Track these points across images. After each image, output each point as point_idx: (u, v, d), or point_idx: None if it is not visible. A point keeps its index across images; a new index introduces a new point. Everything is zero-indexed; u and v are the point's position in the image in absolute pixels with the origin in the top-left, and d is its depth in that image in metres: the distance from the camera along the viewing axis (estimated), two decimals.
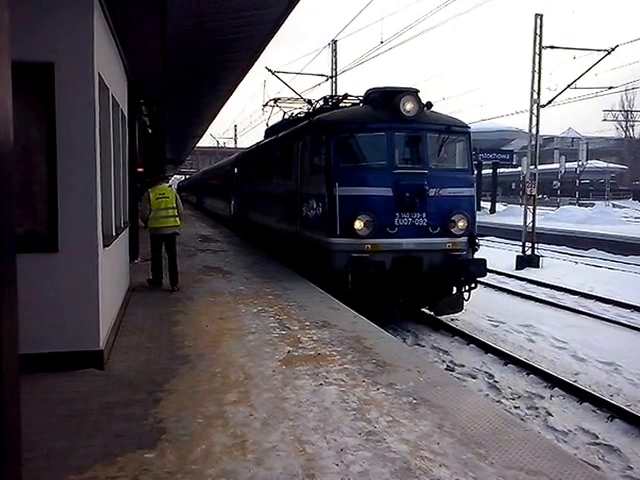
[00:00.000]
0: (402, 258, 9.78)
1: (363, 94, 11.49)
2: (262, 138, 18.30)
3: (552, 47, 19.62)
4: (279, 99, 17.28)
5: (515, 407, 7.00)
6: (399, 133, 10.20)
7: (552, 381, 7.69)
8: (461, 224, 10.13)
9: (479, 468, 3.74)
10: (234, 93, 16.40)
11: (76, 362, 5.46)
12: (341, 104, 12.38)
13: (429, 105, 10.58)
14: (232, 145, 64.96)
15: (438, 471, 3.69)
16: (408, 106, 10.01)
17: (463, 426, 4.39)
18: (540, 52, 19.52)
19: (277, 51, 24.57)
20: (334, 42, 26.05)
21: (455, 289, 10.40)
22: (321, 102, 13.17)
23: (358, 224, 9.62)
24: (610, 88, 21.77)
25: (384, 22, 22.90)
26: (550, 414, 6.75)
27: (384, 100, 10.37)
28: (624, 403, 6.97)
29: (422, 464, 3.78)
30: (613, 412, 6.69)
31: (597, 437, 6.18)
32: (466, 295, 10.32)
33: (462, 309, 10.43)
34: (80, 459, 3.80)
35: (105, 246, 6.06)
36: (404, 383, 5.27)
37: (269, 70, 17.66)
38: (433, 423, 4.43)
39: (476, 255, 10.55)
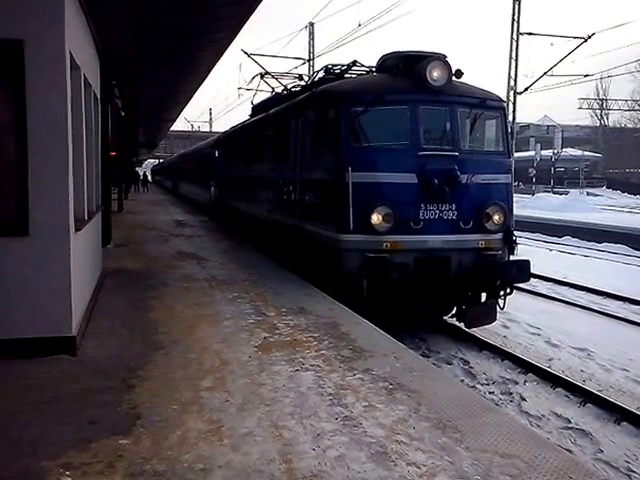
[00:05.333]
0: (426, 258, 8.17)
1: (376, 62, 9.72)
2: (247, 117, 16.61)
3: (530, 34, 19.77)
4: (267, 73, 15.93)
5: (490, 392, 7.07)
6: (425, 106, 8.43)
7: (526, 367, 7.76)
8: (497, 218, 8.48)
9: (454, 452, 3.77)
10: (209, 76, 16.11)
11: (48, 348, 5.36)
12: (346, 75, 10.49)
13: (459, 73, 8.80)
14: (207, 129, 64.54)
15: (414, 455, 3.72)
16: (436, 73, 8.27)
17: (439, 411, 4.41)
18: (518, 38, 19.64)
19: (253, 34, 24.27)
20: (311, 25, 25.90)
21: (485, 295, 8.77)
22: (321, 73, 11.11)
23: (376, 218, 7.96)
24: (586, 76, 22.04)
25: (362, 5, 22.75)
26: (524, 399, 6.83)
27: (406, 67, 8.65)
28: (596, 388, 7.07)
29: (398, 448, 3.80)
30: (585, 397, 6.78)
31: (570, 422, 6.27)
32: (501, 303, 8.63)
33: (495, 320, 8.80)
34: (53, 446, 3.75)
35: (77, 230, 5.94)
36: (380, 368, 5.28)
37: (245, 53, 17.33)
38: (409, 408, 4.44)
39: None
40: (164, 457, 3.63)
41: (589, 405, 6.65)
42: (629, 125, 74.25)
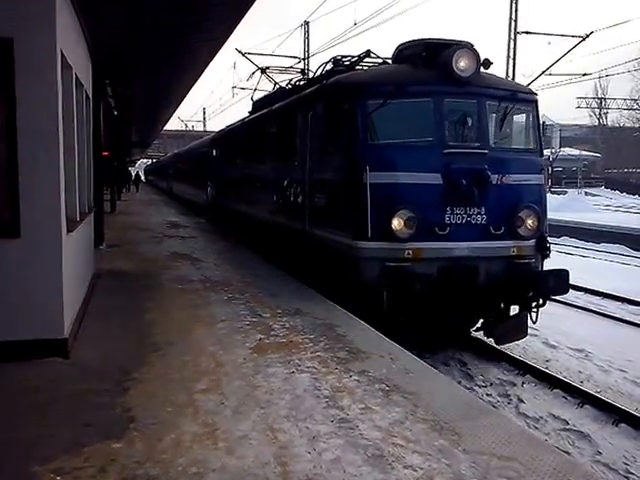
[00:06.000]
0: (451, 268, 7.45)
1: (392, 53, 8.89)
2: (247, 114, 15.80)
3: (527, 32, 19.75)
4: (268, 68, 15.31)
5: (487, 394, 7.03)
6: (450, 99, 7.72)
7: (524, 368, 7.72)
8: (530, 222, 7.73)
9: (452, 454, 3.74)
10: (203, 75, 16.01)
11: (40, 351, 5.31)
12: (357, 67, 9.66)
13: (487, 63, 8.05)
14: (201, 128, 64.51)
15: (411, 458, 3.68)
16: (463, 63, 7.55)
17: (436, 413, 4.37)
18: (515, 38, 19.63)
19: (247, 33, 24.14)
20: (306, 23, 25.87)
21: (517, 308, 8.01)
22: (329, 65, 10.12)
23: (397, 223, 7.22)
24: (584, 75, 22.02)
25: (358, 3, 22.66)
26: (522, 401, 6.79)
27: (429, 56, 7.88)
28: (594, 389, 7.05)
29: (395, 451, 3.76)
30: (583, 398, 6.75)
31: (568, 423, 6.23)
32: (533, 316, 7.83)
33: (526, 335, 8.06)
34: (45, 450, 3.72)
35: (69, 231, 5.89)
36: (377, 370, 5.24)
37: (239, 52, 17.22)
38: (406, 410, 4.41)
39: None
40: (158, 461, 3.59)
41: (587, 406, 6.61)
42: (628, 124, 74.22)
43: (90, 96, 9.35)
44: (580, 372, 7.80)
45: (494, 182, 7.52)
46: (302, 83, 11.66)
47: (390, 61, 9.10)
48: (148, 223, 19.37)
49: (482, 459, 3.68)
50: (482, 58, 7.78)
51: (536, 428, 6.10)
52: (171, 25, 9.11)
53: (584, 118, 73.21)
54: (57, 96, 5.33)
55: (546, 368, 7.74)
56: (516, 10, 19.58)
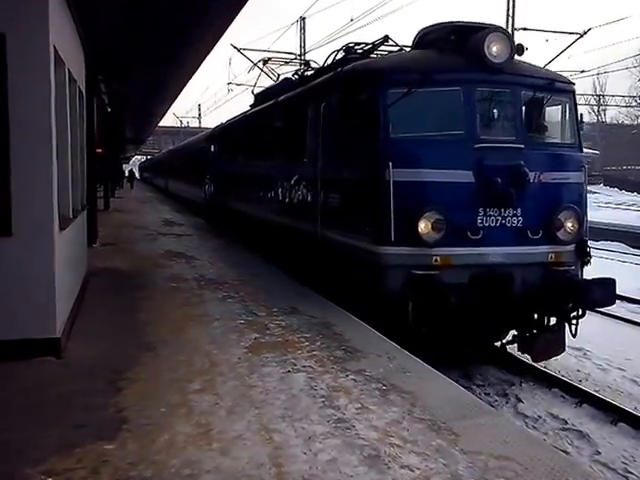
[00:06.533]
0: (483, 276, 6.77)
1: (413, 37, 8.15)
2: (248, 108, 15.00)
3: (525, 29, 19.71)
4: (270, 59, 14.75)
5: (485, 393, 6.98)
6: (482, 88, 7.04)
7: (522, 367, 7.65)
8: (570, 225, 7.09)
9: (449, 454, 3.71)
10: (198, 71, 15.89)
11: (32, 350, 5.26)
12: (372, 56, 8.91)
13: (521, 49, 7.38)
14: (196, 124, 64.41)
15: (408, 458, 3.65)
16: (496, 48, 6.88)
17: (433, 412, 4.34)
18: (513, 34, 19.58)
19: (242, 29, 24.03)
20: (303, 19, 25.82)
21: (554, 320, 7.28)
22: (341, 54, 9.30)
23: (424, 225, 6.56)
24: (582, 72, 21.99)
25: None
26: (520, 400, 6.74)
27: (457, 41, 7.21)
28: (593, 388, 7.01)
29: (391, 451, 3.73)
30: (582, 398, 6.70)
31: (566, 423, 6.19)
32: (573, 328, 7.12)
33: (565, 350, 7.39)
34: (36, 451, 3.68)
35: (62, 229, 5.84)
36: (374, 369, 5.21)
37: (235, 47, 17.08)
38: (403, 409, 4.38)
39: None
40: (151, 462, 3.55)
41: (585, 406, 6.57)
42: (626, 121, 74.21)
43: (83, 92, 9.29)
44: (578, 371, 7.75)
45: (531, 180, 6.87)
46: (310, 73, 11.03)
47: (408, 49, 8.50)
48: (142, 221, 19.30)
49: (480, 459, 3.66)
50: (516, 43, 7.20)
51: (534, 428, 6.06)
52: (165, 19, 9.04)
53: (582, 115, 73.13)
54: (50, 92, 5.29)
55: (545, 367, 7.69)
56: (513, 6, 19.57)
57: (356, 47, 9.16)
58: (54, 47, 5.45)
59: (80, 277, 8.32)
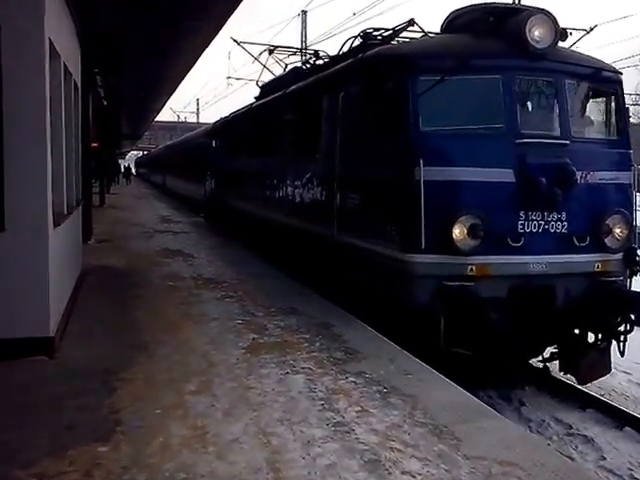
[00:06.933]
0: (523, 287, 6.12)
1: (442, 21, 7.49)
2: (253, 100, 14.27)
3: None
4: (276, 48, 14.03)
5: (488, 397, 6.89)
6: (523, 76, 6.39)
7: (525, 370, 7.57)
8: (619, 231, 6.42)
9: (451, 459, 3.66)
10: (196, 65, 15.74)
11: (24, 350, 5.19)
12: (393, 42, 8.18)
13: (565, 35, 6.72)
14: (194, 120, 64.18)
15: (409, 463, 3.60)
16: (539, 32, 6.19)
17: (435, 416, 4.28)
18: None
19: (242, 22, 23.90)
20: (304, 13, 25.78)
21: (600, 336, 6.53)
22: (358, 41, 8.50)
23: (458, 231, 5.91)
24: None
25: None
26: (524, 404, 6.66)
27: (495, 24, 6.53)
28: (598, 392, 6.93)
29: (392, 456, 3.68)
30: (587, 401, 6.61)
31: (571, 427, 6.11)
32: (621, 345, 6.40)
33: (611, 370, 6.71)
34: (28, 453, 3.63)
35: (56, 226, 5.77)
36: (374, 371, 5.16)
37: (235, 41, 16.87)
38: (404, 413, 4.32)
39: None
40: (145, 465, 3.50)
41: (590, 410, 6.47)
42: (633, 120, 74.17)
43: (79, 85, 9.25)
44: None
45: (578, 181, 6.24)
46: (323, 62, 10.25)
47: (433, 36, 7.88)
48: (139, 217, 19.30)
49: (483, 464, 3.61)
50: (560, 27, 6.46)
51: (538, 432, 5.98)
52: (163, 10, 8.97)
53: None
54: (45, 85, 5.23)
55: (553, 371, 7.58)
56: (519, 2, 19.45)
57: (375, 32, 8.38)
58: (49, 40, 5.40)
59: (75, 274, 8.28)
